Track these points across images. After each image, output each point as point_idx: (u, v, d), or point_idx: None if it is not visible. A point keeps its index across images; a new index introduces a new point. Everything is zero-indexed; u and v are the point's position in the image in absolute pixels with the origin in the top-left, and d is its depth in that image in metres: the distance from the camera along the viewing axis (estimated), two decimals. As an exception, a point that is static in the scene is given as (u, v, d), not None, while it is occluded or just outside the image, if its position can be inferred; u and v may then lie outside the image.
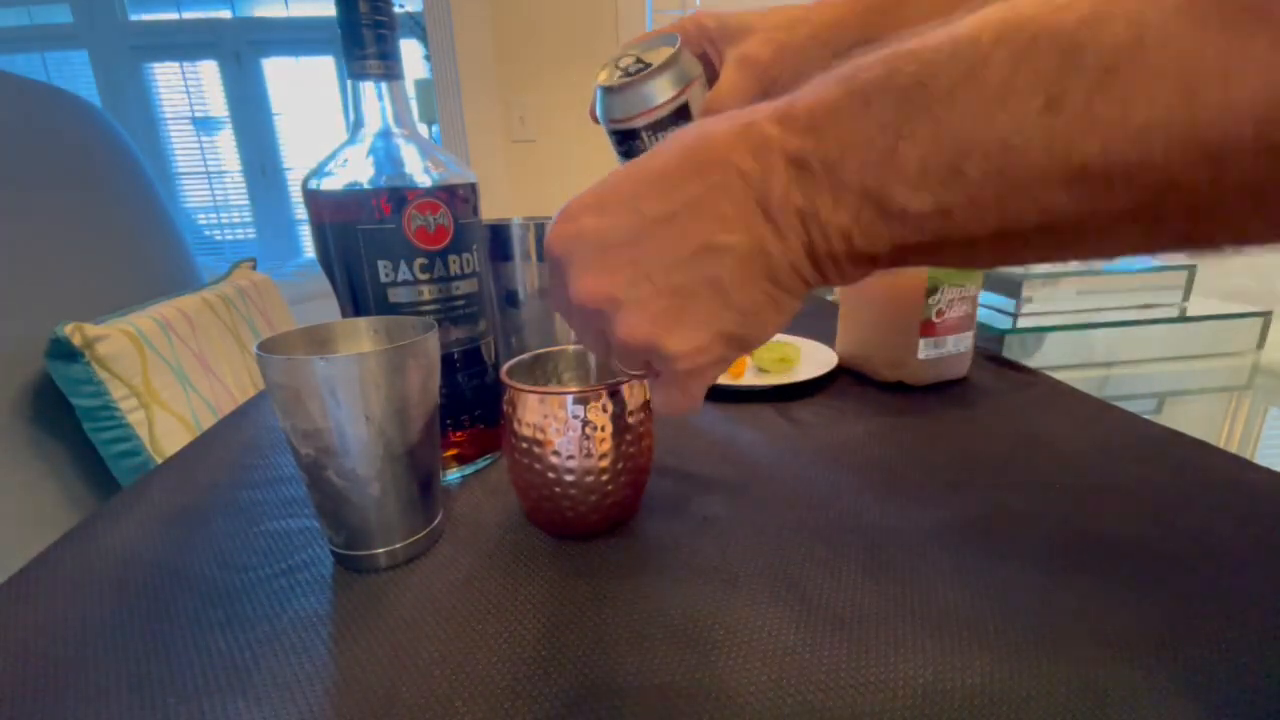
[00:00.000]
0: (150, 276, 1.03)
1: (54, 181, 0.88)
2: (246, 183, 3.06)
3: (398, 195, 0.36)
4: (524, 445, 0.33)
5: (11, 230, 0.78)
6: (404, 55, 0.38)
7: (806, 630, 0.27)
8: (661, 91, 0.37)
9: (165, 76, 2.88)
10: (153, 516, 0.39)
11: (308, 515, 0.38)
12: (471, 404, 0.42)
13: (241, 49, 2.88)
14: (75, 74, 2.77)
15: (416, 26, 1.88)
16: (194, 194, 3.05)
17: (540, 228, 0.50)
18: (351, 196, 0.35)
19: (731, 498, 0.38)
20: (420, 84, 2.17)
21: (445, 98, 1.65)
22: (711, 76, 0.40)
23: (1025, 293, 0.92)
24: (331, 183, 0.36)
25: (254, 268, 1.21)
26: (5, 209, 0.78)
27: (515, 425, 0.33)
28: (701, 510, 0.37)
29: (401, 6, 2.18)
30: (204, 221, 3.10)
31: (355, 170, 0.36)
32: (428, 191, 0.37)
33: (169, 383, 0.80)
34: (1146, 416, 0.47)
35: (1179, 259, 0.97)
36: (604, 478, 0.33)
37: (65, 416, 0.75)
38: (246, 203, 3.09)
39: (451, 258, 0.38)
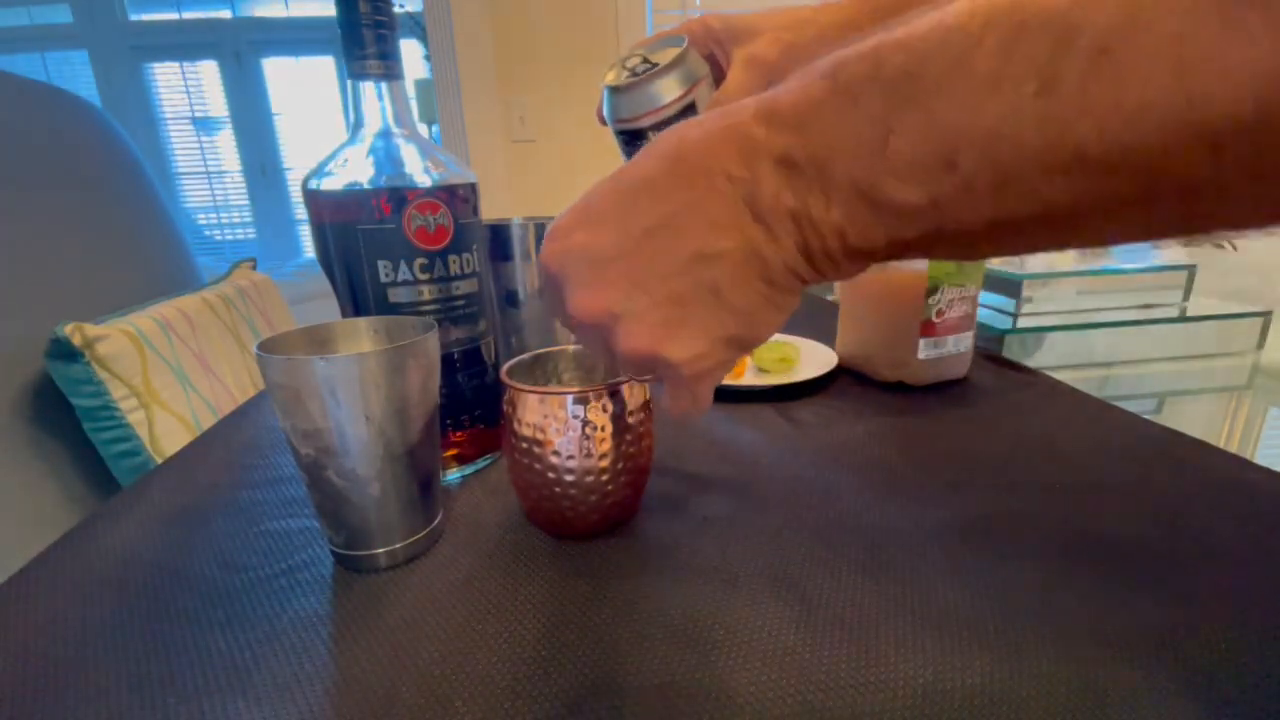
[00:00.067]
0: (150, 276, 1.03)
1: (54, 181, 0.88)
2: (246, 183, 3.06)
3: (398, 195, 0.36)
4: (524, 445, 0.33)
5: (11, 230, 0.78)
6: (404, 55, 0.38)
7: (806, 630, 0.27)
8: (668, 91, 0.37)
9: (165, 76, 2.88)
10: (153, 516, 0.39)
11: (308, 515, 0.38)
12: (471, 404, 0.42)
13: (241, 49, 2.88)
14: (75, 74, 2.78)
15: (416, 26, 1.88)
16: (194, 194, 3.05)
17: (540, 228, 0.50)
18: (351, 196, 0.35)
19: (731, 498, 0.38)
20: (420, 84, 2.17)
21: (445, 98, 1.65)
22: (718, 77, 0.40)
23: (1025, 293, 0.92)
24: (331, 183, 0.36)
25: (254, 268, 1.21)
26: (5, 209, 0.78)
27: (515, 425, 0.33)
28: (701, 510, 0.37)
29: (401, 6, 2.18)
30: (204, 221, 3.10)
31: (355, 170, 0.36)
32: (428, 191, 0.37)
33: (169, 383, 0.80)
34: (1146, 416, 0.47)
35: (1179, 259, 0.97)
36: (604, 478, 0.33)
37: (65, 416, 0.75)
38: (246, 203, 3.09)
39: (451, 258, 0.38)
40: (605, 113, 0.40)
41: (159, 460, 0.75)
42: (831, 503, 0.37)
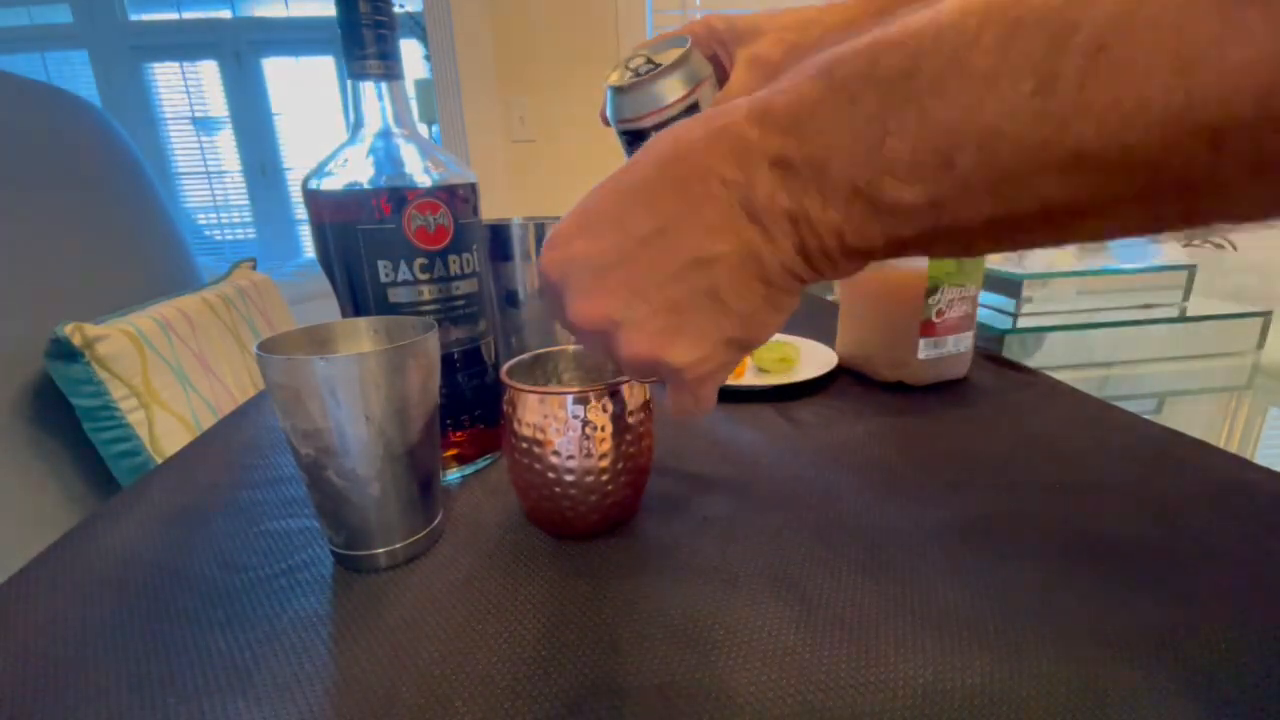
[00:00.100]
0: (150, 276, 1.03)
1: (54, 181, 0.88)
2: (246, 183, 3.06)
3: (398, 195, 0.36)
4: (524, 445, 0.33)
5: (11, 230, 0.78)
6: (404, 55, 0.38)
7: (806, 630, 0.27)
8: (671, 91, 0.37)
9: (165, 76, 2.88)
10: (153, 516, 0.39)
11: (308, 515, 0.38)
12: (471, 404, 0.42)
13: (241, 49, 2.88)
14: (75, 74, 2.78)
15: (416, 26, 1.88)
16: (194, 194, 3.05)
17: (540, 228, 0.50)
18: (351, 196, 0.35)
19: (731, 498, 0.38)
20: (420, 84, 2.17)
21: (445, 98, 1.65)
22: (722, 78, 0.40)
23: (1025, 293, 0.92)
24: (331, 183, 0.36)
25: (254, 268, 1.21)
26: (5, 209, 0.78)
27: (515, 425, 0.33)
28: (701, 510, 0.37)
29: (401, 6, 2.18)
30: (204, 221, 3.10)
31: (355, 170, 0.36)
32: (428, 191, 0.37)
33: (169, 383, 0.80)
34: (1146, 416, 0.47)
35: (1179, 259, 0.97)
36: (604, 478, 0.33)
37: (65, 416, 0.75)
38: (246, 203, 3.10)
39: (451, 258, 0.38)
40: (608, 113, 0.40)
41: (159, 460, 0.75)
42: (831, 503, 0.37)
